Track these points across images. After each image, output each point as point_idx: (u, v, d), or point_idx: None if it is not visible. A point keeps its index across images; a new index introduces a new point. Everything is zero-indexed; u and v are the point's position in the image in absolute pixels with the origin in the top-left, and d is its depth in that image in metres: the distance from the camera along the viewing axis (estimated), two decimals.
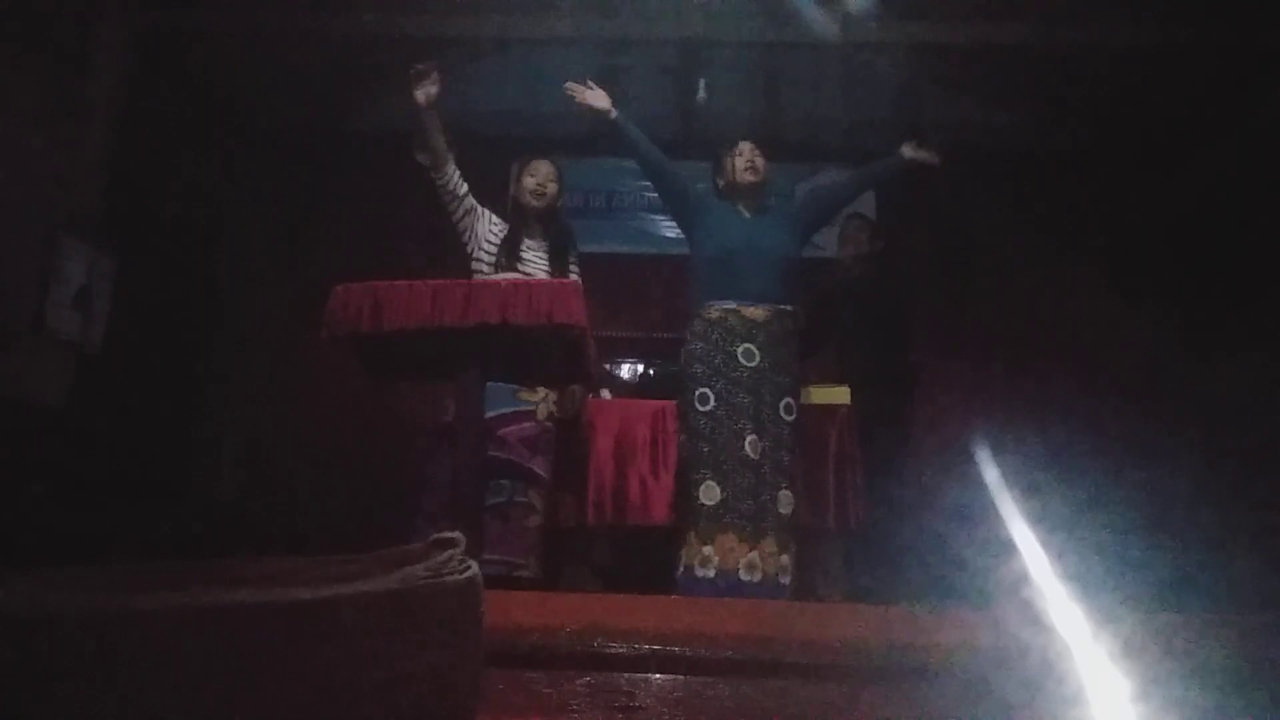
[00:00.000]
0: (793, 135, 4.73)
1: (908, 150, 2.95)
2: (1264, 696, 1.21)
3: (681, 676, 1.28)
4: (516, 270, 2.82)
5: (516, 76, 4.43)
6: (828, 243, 4.02)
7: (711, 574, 2.56)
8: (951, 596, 2.60)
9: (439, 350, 2.30)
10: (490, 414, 2.55)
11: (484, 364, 2.33)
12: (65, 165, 3.52)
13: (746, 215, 2.85)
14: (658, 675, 1.28)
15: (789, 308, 2.75)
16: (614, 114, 2.79)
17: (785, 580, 2.54)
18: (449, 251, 3.05)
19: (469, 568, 0.89)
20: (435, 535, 0.98)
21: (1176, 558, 2.83)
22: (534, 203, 2.91)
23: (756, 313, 2.70)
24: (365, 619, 0.79)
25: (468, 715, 0.87)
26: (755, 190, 2.86)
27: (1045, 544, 1.87)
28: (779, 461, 2.61)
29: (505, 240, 2.89)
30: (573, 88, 2.81)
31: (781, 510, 2.58)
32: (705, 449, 2.63)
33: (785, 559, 2.56)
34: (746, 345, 2.67)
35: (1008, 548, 2.00)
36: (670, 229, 4.54)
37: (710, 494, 2.59)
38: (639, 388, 4.76)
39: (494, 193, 3.04)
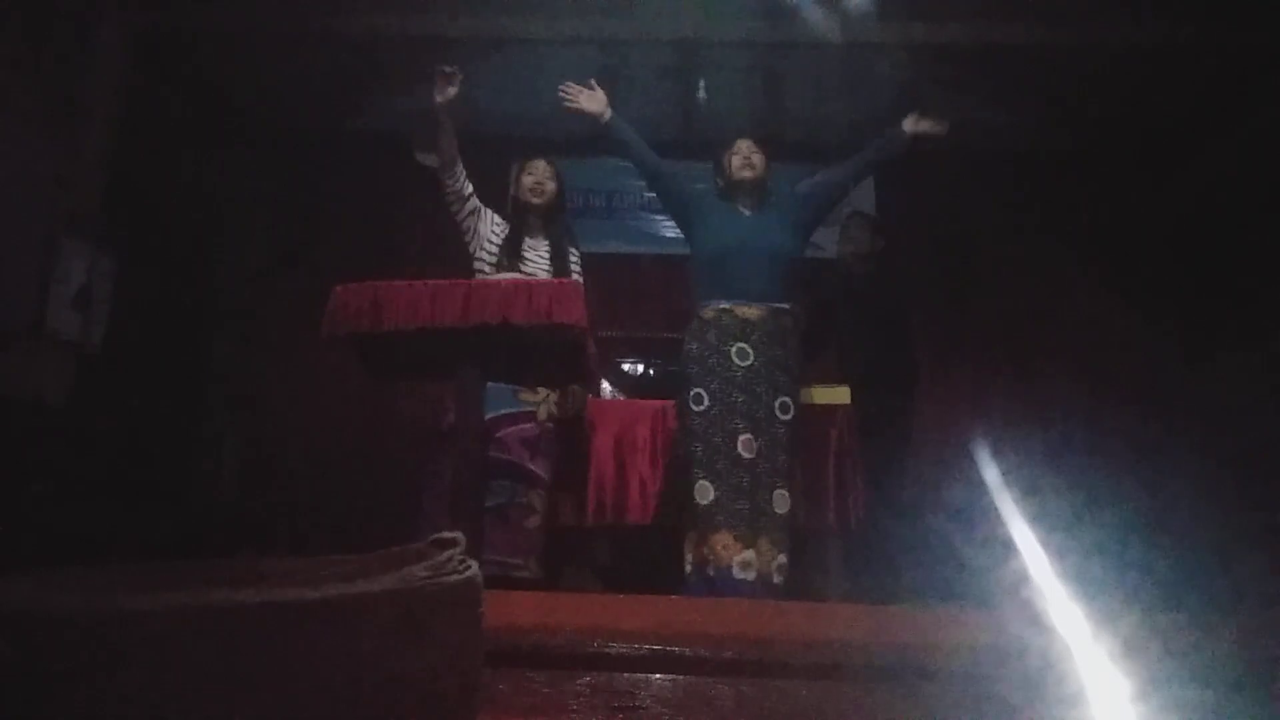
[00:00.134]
0: (793, 135, 4.73)
1: (909, 123, 2.86)
2: (1264, 696, 1.21)
3: (681, 676, 1.28)
4: (518, 270, 2.83)
5: (516, 76, 4.42)
6: (828, 243, 4.02)
7: (710, 573, 2.57)
8: (951, 596, 2.60)
9: (439, 350, 2.30)
10: (490, 415, 2.55)
11: (484, 364, 2.33)
12: (65, 165, 3.52)
13: (746, 214, 2.85)
14: (658, 675, 1.28)
15: (785, 306, 2.73)
16: (605, 118, 2.81)
17: (779, 580, 2.53)
18: (449, 251, 3.05)
19: (469, 567, 0.89)
20: (435, 535, 0.98)
21: (1176, 558, 2.82)
22: (533, 200, 2.92)
23: (750, 311, 2.69)
24: (365, 619, 0.79)
25: (468, 715, 0.87)
26: (753, 187, 2.85)
27: (1045, 544, 1.87)
28: (775, 461, 2.60)
29: (506, 240, 2.90)
30: (568, 90, 2.82)
31: (778, 510, 2.57)
32: (699, 449, 2.63)
33: (781, 558, 2.55)
34: (740, 344, 2.67)
35: (1008, 548, 2.00)
36: (670, 229, 4.54)
37: (704, 494, 2.59)
38: (639, 387, 4.77)
39: (495, 193, 3.04)
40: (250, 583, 0.89)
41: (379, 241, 4.89)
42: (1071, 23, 4.03)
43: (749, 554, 2.52)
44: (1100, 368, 4.69)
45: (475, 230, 2.91)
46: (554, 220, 2.99)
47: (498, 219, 2.96)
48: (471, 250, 2.92)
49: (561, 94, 2.83)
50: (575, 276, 2.90)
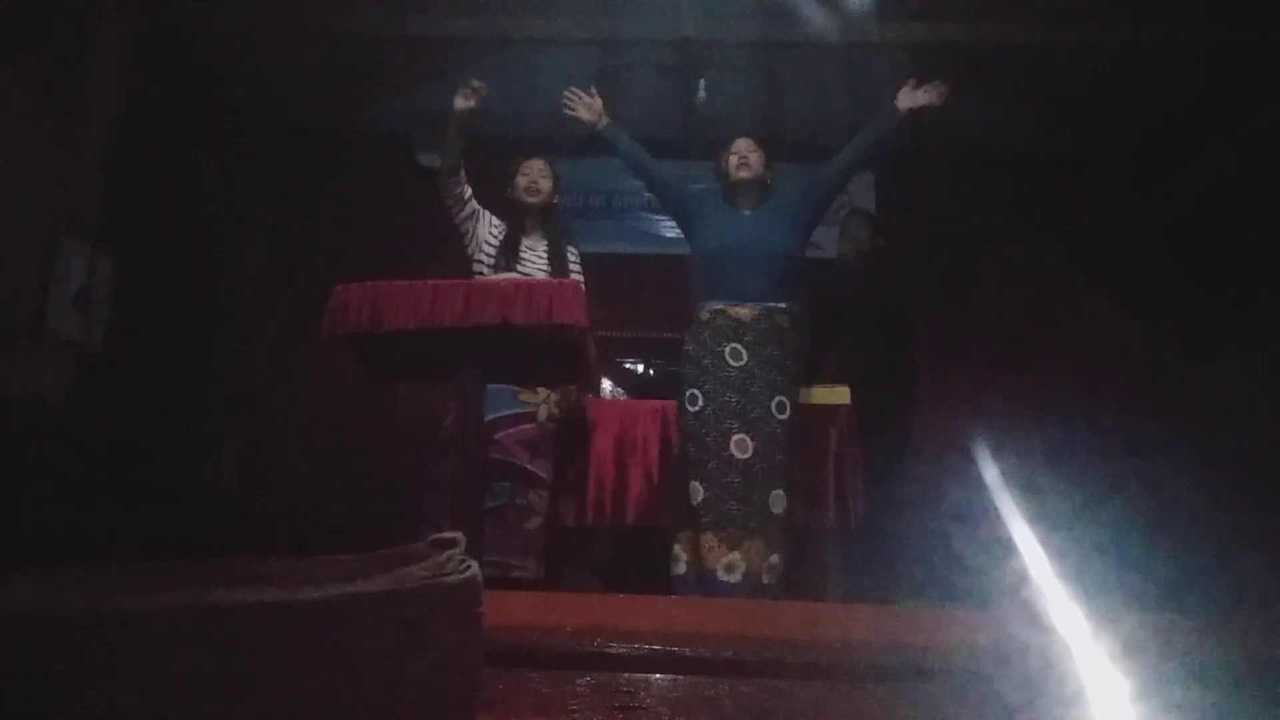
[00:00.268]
0: (793, 135, 4.72)
1: (904, 99, 2.76)
2: (1264, 696, 1.21)
3: (681, 676, 1.28)
4: (516, 271, 2.84)
5: (516, 76, 4.42)
6: (828, 243, 4.02)
7: (685, 571, 2.59)
8: (951, 596, 2.61)
9: (439, 350, 2.30)
10: (490, 416, 2.55)
11: (484, 364, 2.33)
12: (65, 165, 3.51)
13: (745, 214, 2.84)
14: (658, 675, 1.28)
15: (782, 305, 2.72)
16: (600, 126, 2.85)
17: (770, 581, 2.52)
18: (449, 251, 3.05)
19: (469, 568, 0.89)
20: (435, 535, 0.98)
21: (1176, 558, 2.83)
22: (529, 200, 2.93)
23: (743, 312, 2.69)
24: (365, 619, 0.79)
25: (468, 715, 0.87)
26: (751, 187, 2.85)
27: (1045, 544, 1.87)
28: (772, 461, 2.59)
29: (504, 241, 2.90)
30: (570, 97, 2.85)
31: (774, 510, 2.56)
32: (693, 449, 2.65)
33: (774, 559, 2.53)
34: (734, 345, 2.67)
35: (1008, 548, 2.00)
36: (670, 229, 4.55)
37: (695, 494, 2.60)
38: (640, 387, 4.78)
39: (495, 193, 3.04)
40: (250, 583, 0.89)
41: (379, 241, 4.89)
42: (1071, 23, 4.03)
43: (734, 556, 2.52)
44: (1100, 368, 4.69)
45: (474, 233, 2.92)
46: (551, 219, 2.99)
47: (495, 220, 2.96)
48: (470, 252, 2.92)
49: (563, 99, 2.86)
50: (574, 276, 2.91)
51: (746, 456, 2.58)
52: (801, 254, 2.86)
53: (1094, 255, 4.85)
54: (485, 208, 2.99)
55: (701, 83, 4.52)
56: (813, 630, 1.61)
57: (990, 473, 2.69)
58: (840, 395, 3.05)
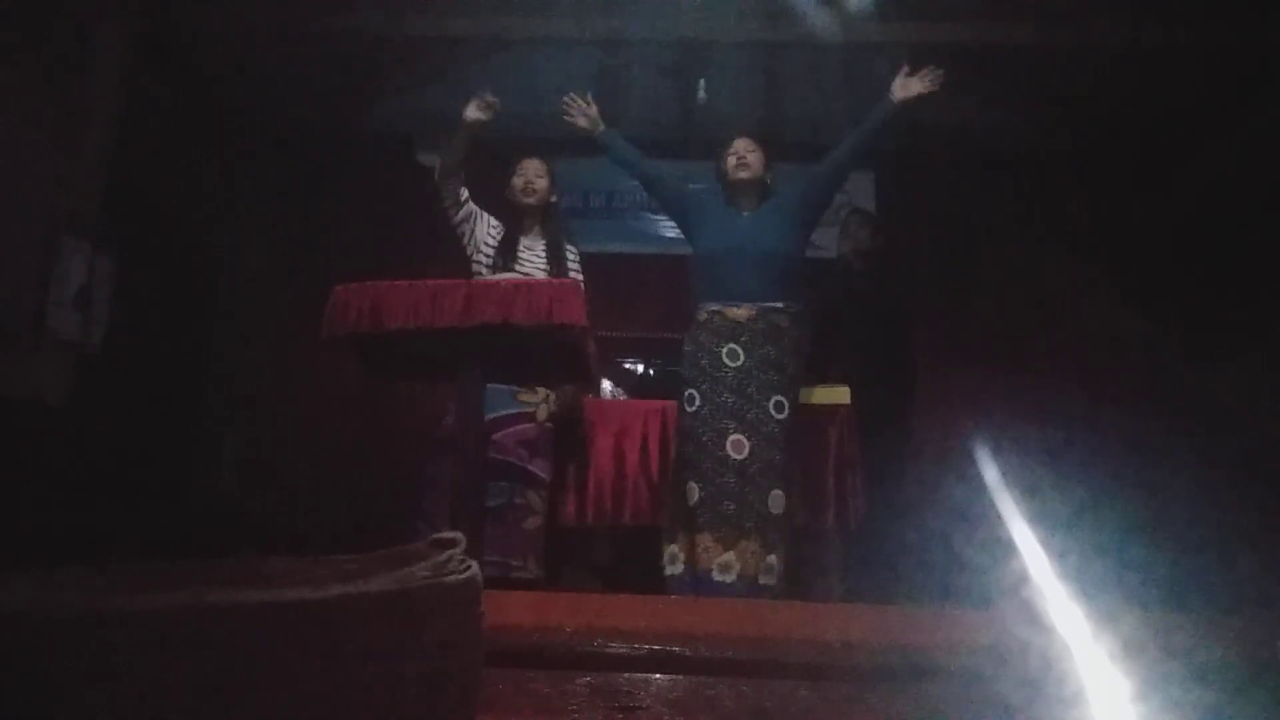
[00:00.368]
0: (793, 135, 4.72)
1: (898, 89, 2.72)
2: (1264, 696, 1.21)
3: (681, 676, 1.28)
4: (514, 270, 2.84)
5: (516, 76, 4.42)
6: (828, 243, 4.02)
7: (680, 571, 2.58)
8: (951, 596, 2.60)
9: (439, 350, 2.30)
10: (490, 416, 2.55)
11: (484, 364, 2.33)
12: (65, 165, 3.52)
13: (744, 214, 2.84)
14: (658, 675, 1.28)
15: (779, 305, 2.72)
16: (597, 133, 2.91)
17: (768, 581, 2.51)
18: (449, 251, 3.05)
19: (469, 567, 0.89)
20: (435, 535, 0.98)
21: (1176, 558, 2.82)
22: (525, 200, 2.93)
23: (739, 313, 2.69)
24: (365, 619, 0.79)
25: (468, 715, 0.87)
26: (750, 187, 2.84)
27: (1045, 544, 1.87)
28: (769, 461, 2.58)
29: (502, 241, 2.90)
30: (568, 104, 2.90)
31: (772, 510, 2.56)
32: (689, 449, 2.65)
33: (772, 559, 2.53)
34: (731, 346, 2.67)
35: (1008, 548, 2.00)
36: (670, 229, 4.54)
37: (691, 494, 2.60)
38: (640, 387, 4.78)
39: (495, 193, 3.04)
40: (250, 583, 0.89)
41: (379, 241, 4.89)
42: (1071, 23, 4.03)
43: (728, 556, 2.52)
44: (1100, 368, 4.69)
45: (471, 233, 2.92)
46: (549, 219, 3.00)
47: (494, 221, 2.97)
48: (469, 253, 2.93)
49: (563, 106, 2.91)
50: (573, 275, 2.91)
51: (742, 457, 2.58)
52: (801, 254, 2.85)
53: (1094, 255, 4.84)
54: (486, 208, 2.99)
55: (701, 83, 4.52)
56: (813, 630, 1.60)
57: (990, 473, 2.68)
58: (840, 395, 3.05)
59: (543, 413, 2.82)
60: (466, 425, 2.33)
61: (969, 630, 1.57)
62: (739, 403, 2.62)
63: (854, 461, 3.01)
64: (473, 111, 2.80)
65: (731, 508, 2.55)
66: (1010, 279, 4.94)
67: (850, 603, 2.80)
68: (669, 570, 2.63)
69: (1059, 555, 1.77)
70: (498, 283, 2.38)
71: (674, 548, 2.64)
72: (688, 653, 1.33)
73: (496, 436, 2.68)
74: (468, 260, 2.93)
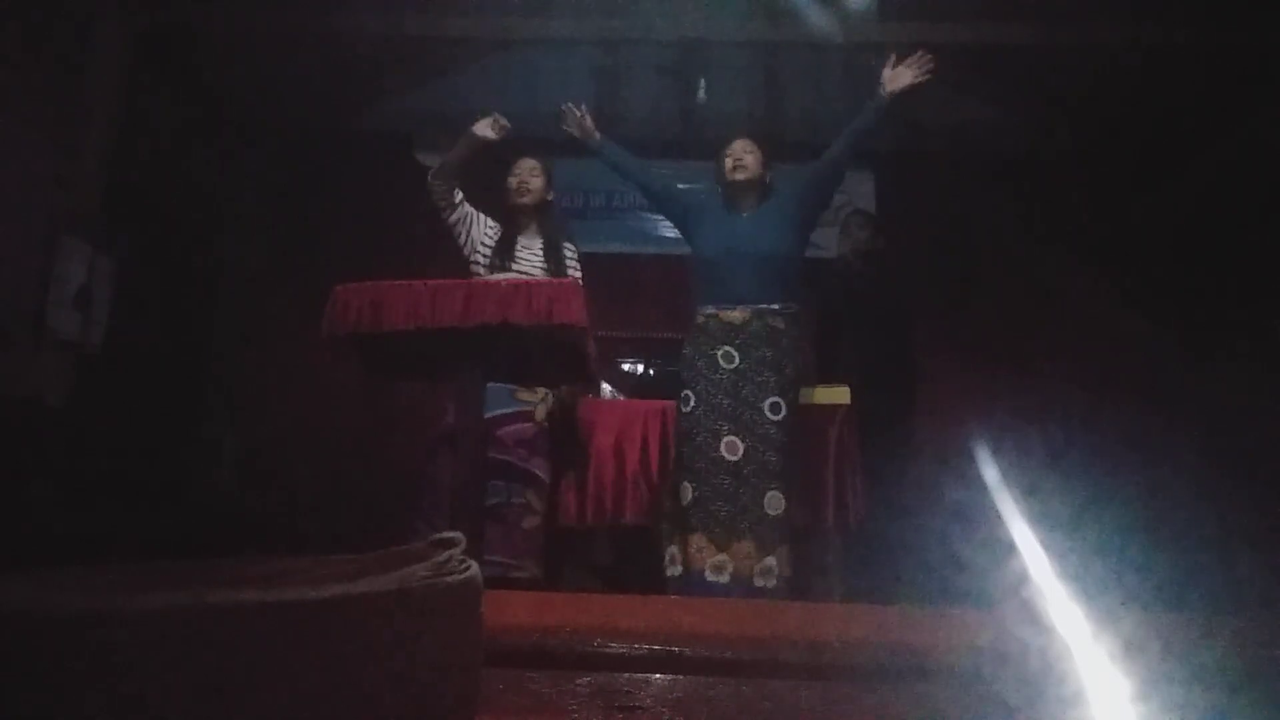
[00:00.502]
0: (793, 135, 4.72)
1: (888, 81, 2.68)
2: (1264, 696, 1.21)
3: (681, 676, 1.28)
4: (512, 270, 2.84)
5: (516, 76, 4.42)
6: (828, 243, 4.02)
7: (680, 573, 2.58)
8: (951, 596, 2.60)
9: (439, 350, 2.30)
10: (489, 415, 2.55)
11: (484, 364, 2.33)
12: (65, 165, 3.52)
13: (743, 216, 2.84)
14: (658, 675, 1.28)
15: (775, 306, 2.71)
16: (593, 143, 2.94)
17: (764, 583, 2.50)
18: (449, 251, 3.05)
19: (469, 568, 0.89)
20: (435, 535, 0.98)
21: (1176, 558, 2.82)
22: (519, 200, 2.94)
23: (734, 315, 2.70)
24: (365, 619, 0.79)
25: (468, 715, 0.87)
26: (748, 188, 2.83)
27: (1045, 544, 1.87)
28: (765, 462, 2.58)
29: (499, 241, 2.90)
30: (566, 114, 2.93)
31: (769, 511, 2.55)
32: (684, 450, 2.66)
33: (769, 560, 2.52)
34: (726, 348, 2.68)
35: (1008, 548, 2.00)
36: (669, 229, 4.53)
37: (685, 495, 2.61)
38: (640, 387, 4.77)
39: (494, 193, 3.04)
40: (250, 583, 0.89)
41: (379, 241, 4.88)
42: (1071, 23, 4.03)
43: (721, 557, 2.53)
44: (1100, 368, 4.69)
45: (467, 234, 2.92)
46: (546, 218, 3.00)
47: (490, 221, 2.97)
48: (466, 254, 2.93)
49: (562, 113, 2.94)
50: (572, 273, 2.91)
51: (737, 458, 2.58)
52: (800, 254, 2.85)
53: (1094, 255, 4.84)
54: (487, 208, 2.99)
55: (701, 83, 4.52)
56: (813, 630, 1.61)
57: (990, 473, 2.68)
58: (840, 395, 3.05)
59: (541, 412, 2.81)
60: (466, 425, 2.33)
61: (969, 630, 1.57)
62: (734, 405, 2.62)
63: (854, 461, 3.00)
64: (483, 129, 2.82)
65: (725, 509, 2.55)
66: (1010, 279, 4.94)
67: (850, 603, 2.80)
68: (670, 571, 2.63)
69: (1059, 555, 1.77)
70: (497, 282, 2.38)
71: (674, 549, 2.65)
72: (688, 653, 1.33)
73: (497, 434, 2.68)
74: (466, 260, 2.93)
